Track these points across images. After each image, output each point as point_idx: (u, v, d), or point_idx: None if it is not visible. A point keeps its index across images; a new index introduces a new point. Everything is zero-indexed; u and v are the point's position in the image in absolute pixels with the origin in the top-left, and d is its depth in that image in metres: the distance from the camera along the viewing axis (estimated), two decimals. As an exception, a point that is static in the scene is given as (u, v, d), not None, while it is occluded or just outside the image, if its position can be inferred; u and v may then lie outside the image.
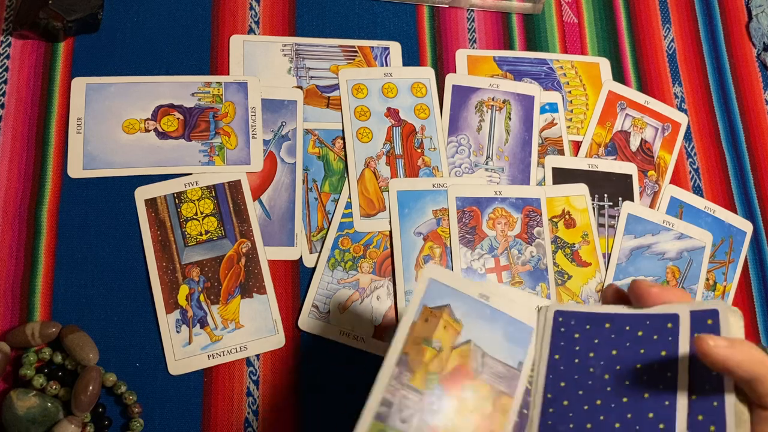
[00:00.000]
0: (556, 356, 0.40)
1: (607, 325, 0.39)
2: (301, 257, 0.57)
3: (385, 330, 0.56)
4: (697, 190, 0.65)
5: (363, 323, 0.56)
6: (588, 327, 0.40)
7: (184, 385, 0.53)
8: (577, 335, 0.40)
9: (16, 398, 0.48)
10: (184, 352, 0.53)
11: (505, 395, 0.41)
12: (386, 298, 0.57)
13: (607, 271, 0.60)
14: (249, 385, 0.54)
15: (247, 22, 0.63)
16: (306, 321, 0.56)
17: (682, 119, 0.67)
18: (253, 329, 0.54)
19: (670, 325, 0.37)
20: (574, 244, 0.61)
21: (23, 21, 0.57)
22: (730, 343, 0.33)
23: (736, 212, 0.65)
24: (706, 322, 0.36)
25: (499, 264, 0.59)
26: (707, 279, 0.62)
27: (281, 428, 0.53)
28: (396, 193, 0.59)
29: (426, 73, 0.64)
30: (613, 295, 0.41)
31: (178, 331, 0.53)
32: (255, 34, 0.63)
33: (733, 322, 0.35)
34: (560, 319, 0.41)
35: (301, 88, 0.61)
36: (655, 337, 0.37)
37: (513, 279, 0.58)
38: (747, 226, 0.65)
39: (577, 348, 0.39)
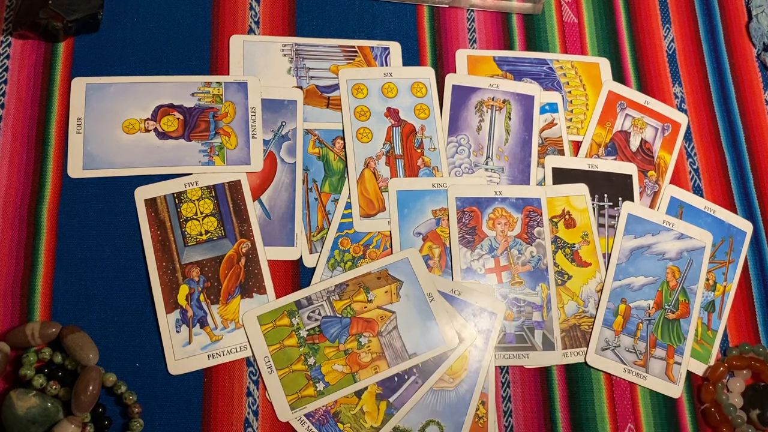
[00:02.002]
0: None
1: None
2: (301, 257, 0.57)
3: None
4: (697, 190, 0.65)
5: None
6: None
7: (184, 385, 0.53)
8: None
9: (16, 398, 0.48)
10: (184, 352, 0.53)
11: (385, 362, 0.52)
12: (386, 298, 0.57)
13: (607, 271, 0.60)
14: (249, 385, 0.54)
15: (247, 22, 0.63)
16: (306, 321, 0.56)
17: (682, 119, 0.67)
18: (253, 329, 0.55)
19: None
20: (574, 244, 0.61)
21: (23, 21, 0.57)
22: None
23: (736, 212, 0.65)
24: None
25: (499, 264, 0.59)
26: (707, 279, 0.62)
27: (281, 428, 0.53)
28: (395, 193, 0.59)
29: (426, 73, 0.64)
30: None
31: (178, 331, 0.53)
32: (255, 34, 0.63)
33: None
34: None
35: (301, 88, 0.61)
36: None
37: (513, 279, 0.58)
38: (747, 226, 0.65)
39: None
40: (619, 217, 0.62)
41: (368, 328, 0.53)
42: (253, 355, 0.53)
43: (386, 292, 0.54)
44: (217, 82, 0.60)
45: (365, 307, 0.53)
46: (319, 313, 0.53)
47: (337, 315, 0.53)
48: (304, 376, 0.52)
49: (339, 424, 0.51)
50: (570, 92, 0.66)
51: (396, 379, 0.52)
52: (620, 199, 0.63)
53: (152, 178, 0.57)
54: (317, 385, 0.52)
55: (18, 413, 0.48)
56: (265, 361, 0.52)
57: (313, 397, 0.52)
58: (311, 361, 0.52)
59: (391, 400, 0.52)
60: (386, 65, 0.64)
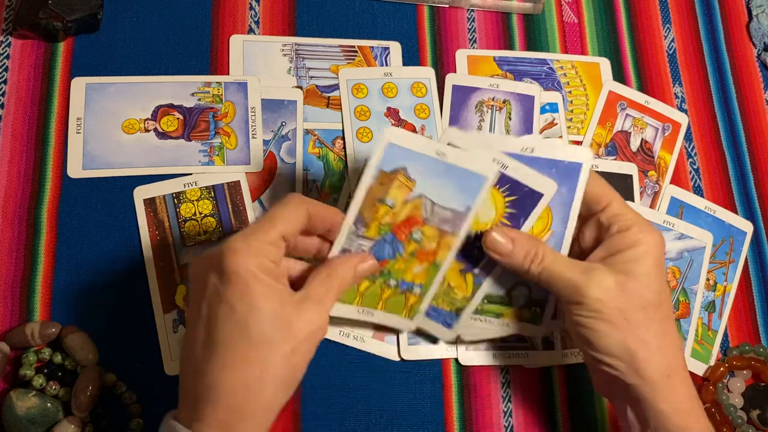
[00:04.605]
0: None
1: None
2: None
3: (384, 331, 0.56)
4: (697, 190, 0.65)
5: (363, 323, 0.56)
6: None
7: (183, 385, 0.53)
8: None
9: (16, 398, 0.48)
10: (184, 352, 0.53)
11: (449, 234, 0.49)
12: (386, 298, 0.57)
13: (607, 271, 0.60)
14: (248, 385, 0.53)
15: (247, 22, 0.63)
16: (305, 321, 0.56)
17: (682, 119, 0.67)
18: (252, 329, 0.54)
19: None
20: (574, 244, 0.61)
21: (23, 21, 0.57)
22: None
23: (736, 212, 0.65)
24: None
25: (499, 264, 0.58)
26: (707, 279, 0.62)
27: (281, 428, 0.53)
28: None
29: (426, 73, 0.64)
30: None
31: (175, 331, 0.53)
32: (255, 34, 0.63)
33: None
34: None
35: (301, 88, 0.61)
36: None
37: (513, 279, 0.58)
38: (747, 226, 0.65)
39: None
40: (619, 217, 0.62)
41: (412, 224, 0.49)
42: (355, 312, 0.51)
43: (398, 186, 0.48)
44: (217, 82, 0.60)
45: (394, 213, 0.49)
46: (363, 250, 0.49)
47: (377, 238, 0.49)
48: (399, 294, 0.51)
49: (433, 301, 0.51)
50: (570, 92, 0.66)
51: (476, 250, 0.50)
52: (620, 199, 0.62)
53: (152, 178, 0.57)
54: (414, 291, 0.51)
55: (18, 413, 0.48)
56: (363, 309, 0.51)
57: (418, 301, 0.51)
58: (392, 282, 0.50)
59: (475, 271, 0.51)
60: (386, 65, 0.64)
